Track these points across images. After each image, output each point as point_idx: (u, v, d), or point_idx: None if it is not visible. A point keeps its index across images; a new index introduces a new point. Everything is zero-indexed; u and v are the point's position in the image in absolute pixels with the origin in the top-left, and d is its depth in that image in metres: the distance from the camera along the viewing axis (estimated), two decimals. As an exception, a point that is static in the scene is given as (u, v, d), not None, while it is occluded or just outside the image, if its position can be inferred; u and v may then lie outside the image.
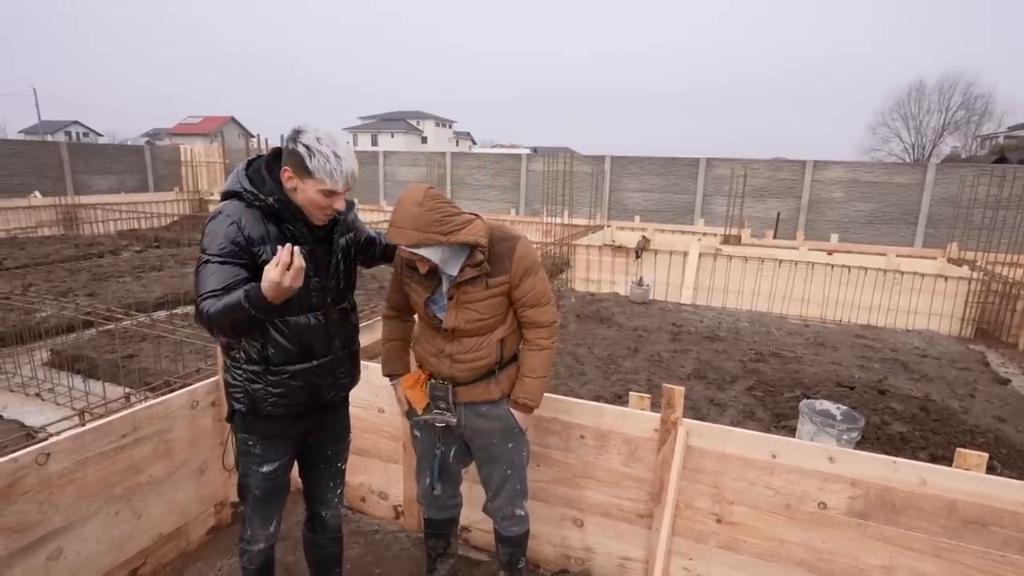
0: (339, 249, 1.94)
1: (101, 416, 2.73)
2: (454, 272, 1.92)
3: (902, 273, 7.60)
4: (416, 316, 2.18)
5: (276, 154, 1.83)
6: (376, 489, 3.01)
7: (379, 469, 2.97)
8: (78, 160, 17.78)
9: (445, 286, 1.97)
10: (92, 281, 8.03)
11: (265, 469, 1.93)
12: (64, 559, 2.16)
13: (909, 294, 7.58)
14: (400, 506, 2.96)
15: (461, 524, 2.59)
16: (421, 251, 1.82)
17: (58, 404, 4.44)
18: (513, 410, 2.07)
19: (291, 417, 1.90)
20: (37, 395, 4.62)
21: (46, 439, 2.28)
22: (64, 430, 2.51)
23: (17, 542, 2.00)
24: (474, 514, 2.54)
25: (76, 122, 60.71)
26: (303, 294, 1.81)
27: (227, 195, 1.81)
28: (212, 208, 1.79)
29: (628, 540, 2.49)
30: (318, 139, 1.70)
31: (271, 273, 1.54)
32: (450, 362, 2.01)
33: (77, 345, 5.26)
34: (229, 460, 2.02)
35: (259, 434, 1.90)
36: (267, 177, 1.79)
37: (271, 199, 1.75)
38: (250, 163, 1.84)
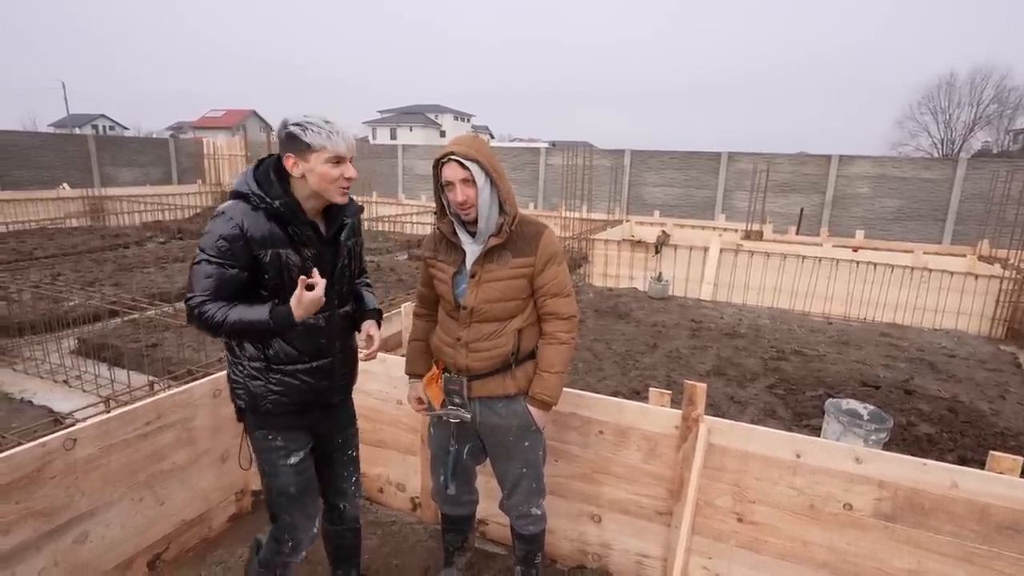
0: (346, 252, 1.92)
1: (126, 403, 2.78)
2: (485, 224, 1.91)
3: (930, 271, 7.40)
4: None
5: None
6: (394, 481, 3.02)
7: (397, 461, 2.98)
8: (105, 153, 18.16)
9: (469, 261, 1.96)
10: (117, 271, 8.20)
11: (293, 460, 1.90)
12: (90, 543, 2.20)
13: (937, 292, 7.39)
14: (417, 498, 2.97)
15: (478, 518, 2.59)
16: (470, 164, 1.84)
17: (85, 391, 4.54)
18: (530, 407, 2.04)
19: (292, 415, 1.88)
20: (65, 382, 4.73)
21: (73, 425, 2.32)
22: (90, 416, 2.55)
23: (46, 525, 2.04)
24: (491, 507, 2.54)
25: (103, 115, 62.00)
26: None
27: (234, 195, 1.78)
28: (219, 206, 1.78)
29: (646, 537, 2.47)
30: (305, 116, 1.71)
31: (313, 294, 1.66)
32: (465, 351, 1.99)
33: (103, 334, 5.38)
34: (245, 458, 2.00)
35: (274, 427, 1.88)
36: (275, 180, 1.76)
37: (277, 202, 1.73)
38: (259, 164, 1.82)
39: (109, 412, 2.41)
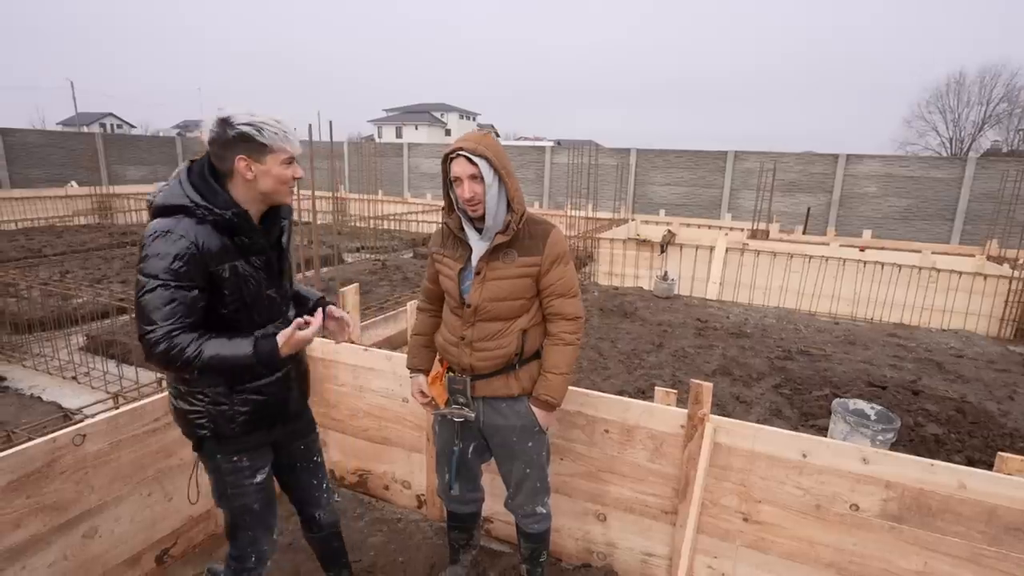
0: (288, 254, 1.87)
1: (134, 400, 2.80)
2: (492, 222, 1.89)
3: (938, 271, 7.36)
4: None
5: (211, 164, 1.67)
6: (399, 478, 3.03)
7: (402, 458, 2.99)
8: (112, 151, 18.29)
9: (475, 258, 1.95)
10: (125, 269, 8.25)
11: (259, 478, 1.84)
12: (99, 537, 2.22)
13: (945, 292, 7.34)
14: (423, 495, 2.97)
15: (483, 515, 2.59)
16: (479, 160, 1.82)
17: (93, 387, 4.58)
18: (534, 407, 2.04)
19: (260, 432, 1.82)
20: (73, 378, 4.77)
21: (82, 421, 2.34)
22: (99, 412, 2.58)
23: (56, 519, 2.06)
24: (496, 505, 2.54)
25: (111, 114, 62.35)
26: (266, 304, 1.75)
27: (170, 209, 1.59)
28: (152, 225, 1.58)
29: (652, 536, 2.47)
30: (251, 114, 1.60)
31: (305, 333, 1.63)
32: (469, 350, 1.98)
33: (111, 331, 5.41)
34: (195, 491, 1.91)
35: (240, 448, 1.79)
36: (217, 187, 1.62)
37: (229, 213, 1.60)
38: (189, 171, 1.65)
39: (118, 408, 2.43)
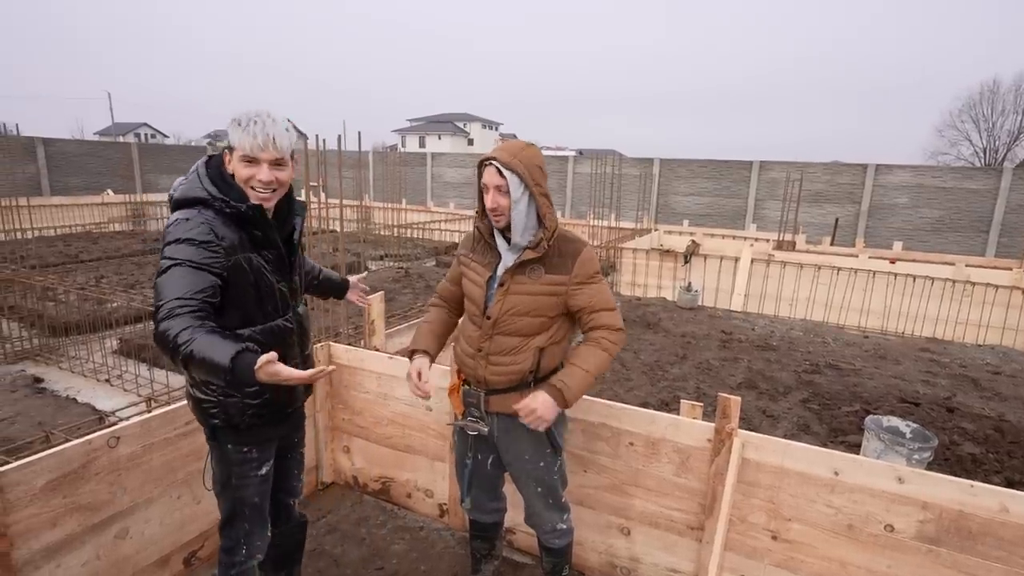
0: (299, 249, 1.91)
1: (166, 403, 2.86)
2: (519, 237, 1.88)
3: (973, 284, 7.14)
4: (461, 314, 2.17)
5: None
6: (422, 486, 3.04)
7: (425, 466, 2.99)
8: (147, 160, 18.85)
9: (501, 269, 1.93)
10: (157, 274, 8.46)
11: (263, 471, 1.87)
12: (130, 538, 2.27)
13: (980, 306, 7.12)
14: (445, 504, 2.97)
15: (506, 526, 2.58)
16: (508, 174, 1.80)
17: (125, 390, 4.69)
18: (544, 391, 1.84)
19: (269, 426, 1.86)
20: (107, 381, 4.89)
21: (116, 423, 2.40)
22: (132, 416, 2.64)
23: (90, 519, 2.11)
24: (518, 516, 2.52)
25: (145, 124, 64.35)
26: (276, 298, 1.78)
27: (189, 201, 1.65)
28: (174, 215, 1.65)
29: (677, 552, 2.42)
30: (242, 114, 1.65)
31: (291, 374, 1.46)
32: (485, 363, 1.96)
33: (144, 335, 5.55)
34: (211, 478, 1.92)
35: (252, 440, 1.83)
36: (232, 182, 1.69)
37: (244, 207, 1.65)
38: (208, 166, 1.72)
39: (150, 412, 2.48)
